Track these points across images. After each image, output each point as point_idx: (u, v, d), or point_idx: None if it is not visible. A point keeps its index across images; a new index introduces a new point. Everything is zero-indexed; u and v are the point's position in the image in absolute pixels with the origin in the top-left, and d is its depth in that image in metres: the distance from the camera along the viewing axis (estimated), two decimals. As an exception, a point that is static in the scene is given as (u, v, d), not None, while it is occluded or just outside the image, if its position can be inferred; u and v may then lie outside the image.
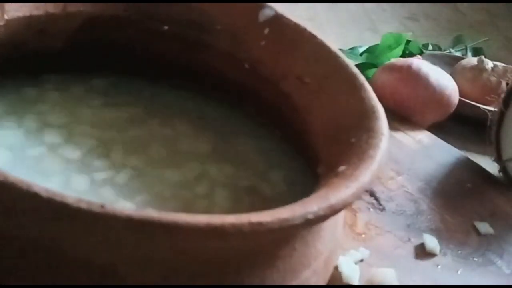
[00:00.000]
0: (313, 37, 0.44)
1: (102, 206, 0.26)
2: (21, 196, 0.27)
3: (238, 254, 0.31)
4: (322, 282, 0.37)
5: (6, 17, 0.40)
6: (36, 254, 0.29)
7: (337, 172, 0.35)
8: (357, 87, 0.41)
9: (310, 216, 0.30)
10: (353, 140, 0.38)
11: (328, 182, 0.34)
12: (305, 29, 0.45)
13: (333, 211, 0.31)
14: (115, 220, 0.26)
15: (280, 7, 0.46)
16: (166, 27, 0.46)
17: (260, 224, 0.28)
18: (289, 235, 0.33)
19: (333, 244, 0.37)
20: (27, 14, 0.42)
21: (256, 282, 0.31)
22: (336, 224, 0.38)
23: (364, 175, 0.34)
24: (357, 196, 0.33)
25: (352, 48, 0.90)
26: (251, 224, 0.28)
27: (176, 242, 0.29)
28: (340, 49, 0.46)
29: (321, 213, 0.30)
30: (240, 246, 0.31)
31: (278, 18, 0.45)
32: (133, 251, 0.29)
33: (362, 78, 0.42)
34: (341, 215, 0.40)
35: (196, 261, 0.30)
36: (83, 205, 0.26)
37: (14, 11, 0.41)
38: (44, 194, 0.26)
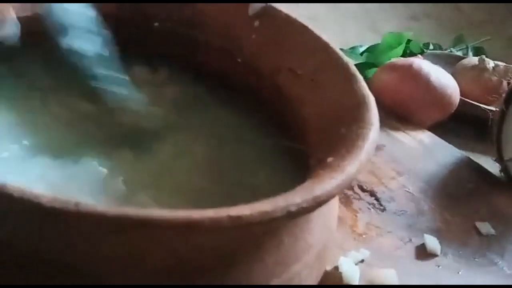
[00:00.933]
0: (304, 28, 0.44)
1: (76, 204, 0.26)
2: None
3: (222, 248, 0.30)
4: (315, 275, 0.36)
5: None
6: (9, 255, 0.28)
7: (326, 164, 0.35)
8: (348, 78, 0.41)
9: (293, 208, 0.29)
10: (343, 130, 0.37)
11: (314, 174, 0.34)
12: (295, 20, 0.44)
13: (318, 203, 0.31)
14: (90, 218, 0.26)
15: (280, 7, 0.46)
16: (156, 24, 0.46)
17: (239, 217, 0.27)
18: (273, 228, 0.32)
19: (326, 237, 0.37)
20: (24, 14, 0.42)
21: (243, 275, 0.31)
22: (328, 216, 0.38)
23: (351, 166, 0.33)
24: (343, 187, 0.32)
25: (352, 48, 0.90)
26: (231, 218, 0.27)
27: (153, 239, 0.28)
28: (341, 49, 0.46)
29: (305, 205, 0.30)
30: (223, 240, 0.30)
31: (268, 10, 0.45)
32: (112, 248, 0.28)
33: (353, 68, 0.41)
34: (334, 208, 0.39)
35: (178, 256, 0.29)
36: (57, 204, 0.26)
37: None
38: (16, 194, 0.26)
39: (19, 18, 0.42)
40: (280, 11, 0.45)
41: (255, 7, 0.45)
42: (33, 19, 0.42)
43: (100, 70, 0.41)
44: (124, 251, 0.28)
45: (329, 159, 0.35)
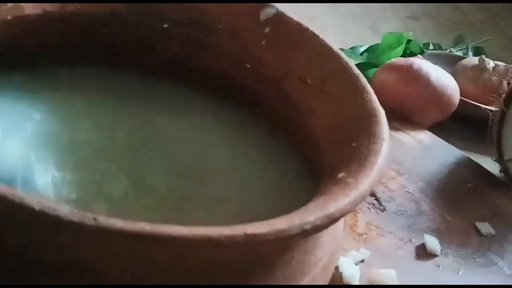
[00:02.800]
0: (315, 36, 0.44)
1: (95, 219, 0.26)
2: (13, 208, 0.26)
3: (235, 264, 0.31)
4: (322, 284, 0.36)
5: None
6: (26, 267, 0.28)
7: (337, 179, 0.35)
8: (359, 89, 0.40)
9: (307, 227, 0.29)
10: (354, 144, 0.37)
11: (327, 190, 0.34)
12: (306, 29, 0.44)
13: (331, 220, 0.31)
14: (108, 233, 0.26)
15: (280, 7, 0.46)
16: (165, 25, 0.46)
17: (255, 235, 0.28)
18: (287, 245, 0.32)
19: (333, 248, 0.37)
20: (25, 13, 0.42)
21: None
22: (336, 229, 0.38)
23: (364, 183, 0.33)
24: (356, 204, 0.32)
25: (352, 48, 0.90)
26: (247, 236, 0.27)
27: (170, 254, 0.28)
28: (341, 49, 0.46)
29: (318, 223, 0.30)
30: (237, 257, 0.30)
31: (279, 17, 0.45)
32: (127, 263, 0.28)
33: (364, 80, 0.41)
34: (342, 218, 0.39)
35: (192, 271, 0.29)
36: (76, 218, 0.26)
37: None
38: (36, 206, 0.26)
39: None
40: (292, 18, 0.45)
41: (267, 13, 0.45)
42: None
43: None
44: (138, 263, 0.29)
45: (341, 175, 0.35)
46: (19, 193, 0.26)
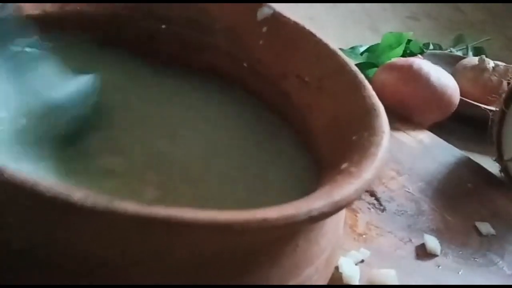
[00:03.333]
0: (312, 35, 0.44)
1: (108, 203, 0.26)
2: (25, 194, 0.26)
3: (242, 251, 0.31)
4: (324, 280, 0.37)
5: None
6: (37, 253, 0.29)
7: (340, 170, 0.35)
8: (357, 86, 0.41)
9: (315, 213, 0.30)
10: (354, 138, 0.38)
11: (331, 179, 0.34)
12: (304, 28, 0.45)
13: (337, 207, 0.31)
14: (122, 217, 0.26)
15: (280, 7, 0.46)
16: (163, 26, 0.46)
17: (265, 220, 0.28)
18: (293, 232, 0.33)
19: (335, 242, 0.37)
20: (25, 13, 0.42)
21: (260, 278, 0.32)
22: (338, 221, 0.38)
23: (367, 172, 0.34)
24: (361, 193, 0.33)
25: (352, 48, 0.90)
26: (257, 221, 0.28)
27: (182, 239, 0.29)
28: (341, 49, 0.46)
29: (325, 209, 0.30)
30: (245, 242, 0.31)
31: (277, 17, 0.45)
32: (138, 247, 0.29)
33: (361, 76, 0.42)
34: (343, 213, 0.40)
35: (200, 256, 0.30)
36: (89, 203, 0.26)
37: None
38: (48, 192, 0.26)
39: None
40: (289, 18, 0.45)
41: (264, 12, 0.45)
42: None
43: None
44: (148, 248, 0.29)
45: (344, 165, 0.35)
46: (31, 178, 0.26)
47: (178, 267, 0.30)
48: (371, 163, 0.34)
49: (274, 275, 0.32)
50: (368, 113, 0.39)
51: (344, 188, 0.32)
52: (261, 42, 0.45)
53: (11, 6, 0.41)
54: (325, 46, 0.43)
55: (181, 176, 0.40)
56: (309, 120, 0.43)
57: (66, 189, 0.26)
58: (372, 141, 0.36)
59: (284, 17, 0.45)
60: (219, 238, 0.29)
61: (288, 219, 0.29)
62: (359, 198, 0.34)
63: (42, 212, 0.28)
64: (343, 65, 0.42)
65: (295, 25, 0.45)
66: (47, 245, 0.29)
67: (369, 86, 0.41)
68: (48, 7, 0.43)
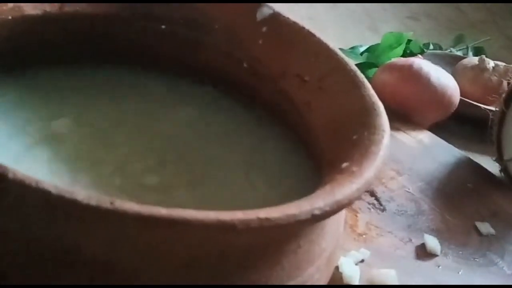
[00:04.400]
0: (311, 35, 0.44)
1: (112, 203, 0.26)
2: (30, 193, 0.27)
3: (245, 251, 0.31)
4: (325, 279, 0.37)
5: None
6: (43, 252, 0.29)
7: (341, 169, 0.35)
8: (356, 85, 0.41)
9: (317, 212, 0.30)
10: (354, 137, 0.38)
11: (332, 179, 0.35)
12: (303, 28, 0.45)
13: (339, 206, 0.31)
14: (125, 217, 0.26)
15: (280, 7, 0.46)
16: (163, 26, 0.46)
17: (268, 219, 0.28)
18: (295, 231, 0.33)
19: (336, 242, 0.37)
20: (25, 13, 0.42)
21: (262, 278, 0.32)
22: (338, 221, 0.39)
23: (368, 171, 0.34)
24: (362, 192, 0.33)
25: (352, 48, 0.90)
26: (260, 220, 0.28)
27: (185, 238, 0.29)
28: (341, 49, 0.46)
29: (327, 208, 0.30)
30: (247, 242, 0.31)
31: (276, 17, 0.45)
32: (142, 247, 0.29)
33: (361, 75, 0.42)
34: (343, 212, 0.40)
35: (202, 255, 0.30)
36: (93, 202, 0.26)
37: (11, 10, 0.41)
38: (53, 191, 0.26)
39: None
40: (288, 18, 0.45)
41: (263, 12, 0.45)
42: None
43: None
44: (151, 248, 0.29)
45: (344, 164, 0.35)
46: (35, 178, 0.26)
47: (180, 266, 0.30)
48: (372, 162, 0.35)
49: (276, 275, 0.32)
50: (368, 112, 0.39)
51: (345, 187, 0.32)
52: (260, 41, 0.45)
53: None
54: (324, 46, 0.44)
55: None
56: (309, 119, 0.43)
57: (71, 189, 0.27)
58: (373, 140, 0.36)
59: (284, 17, 0.45)
60: (223, 237, 0.29)
61: (290, 218, 0.29)
62: (360, 197, 0.34)
63: (48, 212, 0.28)
64: (343, 65, 0.42)
65: (295, 25, 0.45)
66: (51, 244, 0.29)
67: (368, 85, 0.41)
68: (48, 7, 0.43)
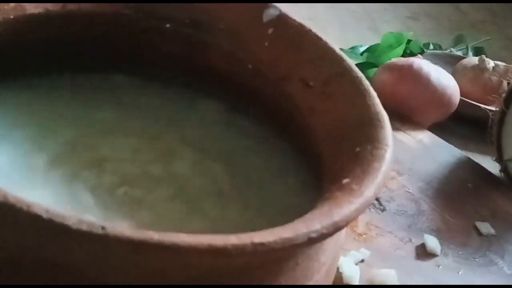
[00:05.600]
0: (318, 38, 0.43)
1: (103, 228, 0.26)
2: (22, 216, 0.26)
3: (240, 271, 0.31)
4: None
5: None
6: (37, 273, 0.29)
7: (341, 185, 0.34)
8: (362, 93, 0.40)
9: (313, 235, 0.29)
10: (357, 149, 0.37)
11: (331, 196, 0.34)
12: (310, 30, 0.44)
13: (337, 228, 0.31)
14: (116, 242, 0.26)
15: (280, 7, 0.45)
16: (168, 25, 0.46)
17: (262, 244, 0.28)
18: (292, 252, 0.32)
19: (336, 252, 0.37)
20: (27, 12, 0.42)
21: None
22: (338, 236, 0.38)
23: (369, 190, 0.33)
24: (361, 211, 0.32)
25: (352, 48, 0.90)
26: (254, 245, 0.27)
27: (177, 262, 0.28)
28: (341, 49, 0.45)
29: (325, 231, 0.30)
30: (241, 264, 0.30)
31: (283, 19, 0.44)
32: (134, 266, 0.29)
33: (367, 83, 0.41)
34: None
35: (196, 277, 0.29)
36: (84, 227, 0.26)
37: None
38: (44, 215, 0.26)
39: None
40: (294, 20, 0.44)
41: (270, 14, 0.44)
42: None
43: None
44: (143, 270, 0.29)
45: (345, 180, 0.35)
46: (26, 201, 0.26)
47: (173, 285, 0.29)
48: (373, 179, 0.34)
49: None
50: (372, 123, 0.38)
51: (344, 208, 0.31)
52: (266, 43, 0.45)
53: None
54: (331, 50, 0.43)
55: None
56: (311, 125, 0.42)
57: (61, 213, 0.26)
58: (376, 155, 0.35)
59: (290, 19, 0.44)
60: (216, 261, 0.28)
61: (286, 242, 0.28)
62: (358, 216, 0.33)
63: (39, 234, 0.27)
64: (349, 71, 0.41)
65: (301, 27, 0.44)
66: (43, 266, 0.28)
67: (374, 94, 0.40)
68: (50, 6, 0.43)
